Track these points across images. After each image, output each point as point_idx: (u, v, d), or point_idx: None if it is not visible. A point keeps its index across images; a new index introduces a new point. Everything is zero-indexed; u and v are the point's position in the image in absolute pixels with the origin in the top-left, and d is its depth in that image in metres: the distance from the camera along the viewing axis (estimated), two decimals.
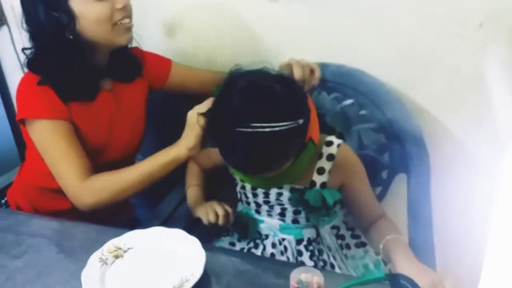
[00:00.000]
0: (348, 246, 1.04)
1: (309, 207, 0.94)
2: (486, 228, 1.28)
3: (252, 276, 0.83)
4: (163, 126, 1.40)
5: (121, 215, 1.27)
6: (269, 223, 1.03)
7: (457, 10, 1.07)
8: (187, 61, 1.38)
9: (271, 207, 1.00)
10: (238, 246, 1.08)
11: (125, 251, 0.90)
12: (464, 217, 1.26)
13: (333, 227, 1.03)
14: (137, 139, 1.19)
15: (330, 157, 0.95)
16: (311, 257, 1.00)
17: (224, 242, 1.10)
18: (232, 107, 0.80)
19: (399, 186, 1.18)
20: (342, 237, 1.04)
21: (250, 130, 0.75)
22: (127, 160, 1.12)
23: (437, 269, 0.94)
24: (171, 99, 1.35)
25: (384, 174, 1.18)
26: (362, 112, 1.17)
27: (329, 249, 1.02)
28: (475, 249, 1.30)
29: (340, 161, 0.94)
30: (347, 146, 0.99)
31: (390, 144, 1.16)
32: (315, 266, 0.99)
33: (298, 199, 0.94)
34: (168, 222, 1.14)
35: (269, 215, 1.02)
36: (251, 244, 1.05)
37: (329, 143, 0.96)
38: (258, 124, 0.74)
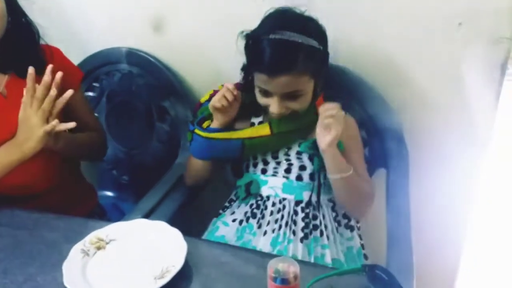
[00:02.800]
0: (339, 223, 1.10)
1: (318, 153, 1.03)
2: (463, 223, 1.32)
3: (233, 267, 0.85)
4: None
5: (83, 202, 1.30)
6: (272, 183, 1.09)
7: (438, 10, 1.10)
8: (173, 57, 1.39)
9: (278, 163, 1.10)
10: (238, 214, 1.13)
11: (107, 243, 0.91)
12: (442, 212, 1.29)
13: (329, 200, 1.10)
14: None
15: None
16: (304, 219, 1.06)
17: (226, 216, 1.15)
18: (267, 23, 1.01)
19: (379, 180, 1.21)
20: (335, 212, 1.10)
21: (280, 36, 0.95)
22: None
23: (414, 262, 0.96)
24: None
25: None
26: (343, 107, 1.18)
27: (323, 217, 1.08)
28: (453, 243, 1.35)
29: (345, 124, 1.04)
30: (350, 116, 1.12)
31: (370, 140, 1.19)
32: (306, 227, 1.05)
33: (311, 146, 1.05)
34: (150, 215, 1.15)
35: (275, 173, 1.10)
36: (254, 206, 1.10)
37: None
38: (287, 32, 0.95)
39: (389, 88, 1.19)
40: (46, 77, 0.98)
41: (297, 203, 1.08)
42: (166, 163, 1.39)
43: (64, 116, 1.09)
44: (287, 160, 1.10)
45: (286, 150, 1.10)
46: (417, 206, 1.12)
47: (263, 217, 1.08)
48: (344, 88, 1.19)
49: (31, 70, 0.97)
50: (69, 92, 1.00)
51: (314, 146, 1.04)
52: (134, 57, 1.40)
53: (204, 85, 1.38)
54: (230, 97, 1.05)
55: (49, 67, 0.98)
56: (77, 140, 1.17)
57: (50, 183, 1.17)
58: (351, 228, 1.12)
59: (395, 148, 1.16)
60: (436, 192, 1.26)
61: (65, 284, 0.78)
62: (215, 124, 1.10)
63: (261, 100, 1.03)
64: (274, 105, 1.00)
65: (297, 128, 1.07)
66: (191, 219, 1.23)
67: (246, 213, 1.11)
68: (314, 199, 1.08)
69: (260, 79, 0.99)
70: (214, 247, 0.93)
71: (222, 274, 0.83)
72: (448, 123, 1.20)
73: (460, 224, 1.31)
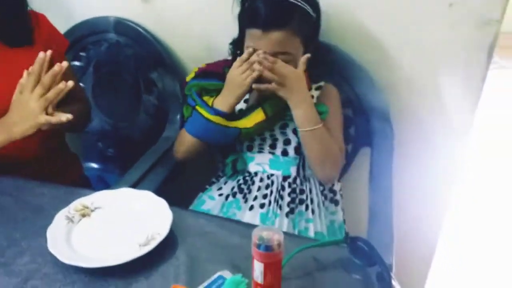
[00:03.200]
0: (325, 196, 1.13)
1: None
2: (443, 203, 1.35)
3: (217, 236, 0.86)
4: None
5: (68, 172, 1.29)
6: (259, 160, 1.12)
7: None
8: (162, 28, 1.37)
9: (263, 139, 1.12)
10: (225, 189, 1.14)
11: (92, 210, 0.91)
12: (423, 191, 1.32)
13: None
14: None
15: (319, 88, 1.13)
16: (290, 194, 1.08)
17: (212, 191, 1.16)
18: None
19: (363, 159, 1.23)
20: (322, 186, 1.13)
21: None
22: None
23: (395, 240, 0.99)
24: None
25: (349, 147, 1.22)
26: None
27: (310, 191, 1.10)
28: (432, 222, 1.38)
29: (325, 90, 1.13)
30: (333, 85, 1.15)
31: (356, 118, 1.21)
32: (292, 202, 1.08)
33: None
34: (136, 187, 1.15)
35: (261, 149, 1.12)
36: (241, 181, 1.12)
37: (318, 81, 1.15)
38: None
39: (377, 68, 1.20)
40: (57, 67, 0.95)
41: (285, 178, 1.10)
42: (153, 136, 1.39)
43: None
44: (272, 136, 1.11)
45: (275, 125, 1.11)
46: (399, 185, 1.14)
47: (250, 192, 1.10)
48: (333, 66, 1.20)
49: (41, 54, 0.95)
50: (70, 84, 0.97)
51: None
52: (122, 26, 1.38)
53: (193, 57, 1.38)
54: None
55: (63, 63, 0.97)
56: None
57: (34, 152, 1.16)
58: (336, 203, 1.14)
59: (380, 127, 1.17)
60: (419, 172, 1.29)
61: (50, 249, 0.78)
62: (226, 106, 1.05)
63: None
64: None
65: (286, 104, 1.05)
66: (177, 193, 1.23)
67: (233, 188, 1.12)
68: (301, 173, 1.10)
69: (252, 36, 0.99)
70: (199, 217, 0.93)
71: (206, 243, 0.84)
72: (434, 105, 1.21)
73: (440, 204, 1.34)
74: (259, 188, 1.09)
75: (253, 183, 1.11)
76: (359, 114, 1.20)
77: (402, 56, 1.18)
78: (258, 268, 0.64)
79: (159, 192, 0.94)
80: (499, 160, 2.51)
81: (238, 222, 0.98)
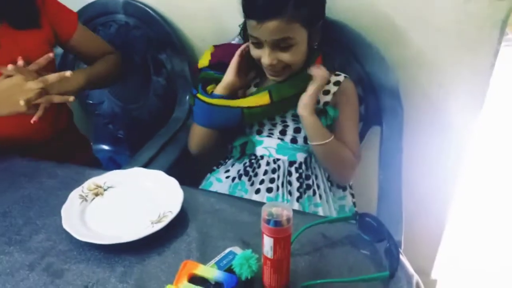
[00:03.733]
0: (331, 182, 1.12)
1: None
2: (453, 181, 1.35)
3: (227, 214, 0.87)
4: None
5: (78, 154, 1.31)
6: (267, 144, 1.12)
7: None
8: (171, 9, 1.37)
9: (274, 125, 1.11)
10: (232, 171, 1.15)
11: (105, 190, 0.93)
12: (433, 169, 1.32)
13: None
14: None
15: (337, 83, 1.10)
16: (298, 179, 1.09)
17: (220, 173, 1.17)
18: None
19: (373, 138, 1.23)
20: (327, 172, 1.13)
21: None
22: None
23: (404, 218, 0.99)
24: None
25: (360, 126, 1.22)
26: (341, 63, 1.18)
27: (316, 178, 1.10)
28: (442, 200, 1.38)
29: (343, 87, 1.10)
30: (352, 81, 1.13)
31: (366, 97, 1.20)
32: (300, 187, 1.08)
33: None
34: (147, 167, 1.16)
35: (270, 133, 1.12)
36: (247, 163, 1.13)
37: (337, 75, 1.12)
38: None
39: (387, 46, 1.19)
40: (68, 73, 1.02)
41: (291, 163, 1.10)
42: (163, 118, 1.40)
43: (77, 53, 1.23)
44: (283, 122, 1.11)
45: (282, 112, 1.10)
46: (408, 163, 1.14)
47: (255, 175, 1.10)
48: (343, 44, 1.18)
49: (52, 54, 1.05)
50: (68, 73, 1.02)
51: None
52: (131, 7, 1.38)
53: (202, 38, 1.37)
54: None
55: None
56: (94, 76, 1.20)
57: (43, 135, 1.18)
58: (344, 188, 1.15)
59: (390, 105, 1.17)
60: (429, 150, 1.29)
61: (64, 227, 0.80)
62: (219, 88, 1.09)
63: (254, 52, 1.02)
64: (265, 56, 0.99)
65: (295, 93, 1.05)
66: (186, 174, 1.25)
67: (239, 170, 1.13)
68: (308, 160, 1.10)
69: (250, 26, 0.98)
70: (210, 195, 0.95)
71: (217, 220, 0.86)
72: (444, 83, 1.20)
73: (450, 182, 1.34)
74: (265, 172, 1.10)
75: (259, 166, 1.11)
76: (369, 93, 1.19)
77: (412, 33, 1.17)
78: (267, 243, 0.65)
79: (169, 172, 0.95)
80: (510, 137, 2.48)
81: (248, 200, 0.99)
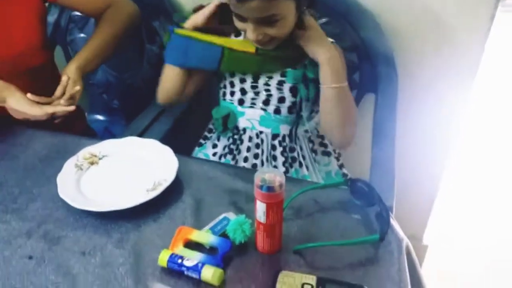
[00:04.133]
0: (315, 152, 1.11)
1: (305, 80, 1.00)
2: (445, 150, 1.36)
3: (221, 181, 0.88)
4: None
5: (72, 123, 1.29)
6: (250, 115, 1.07)
7: None
8: None
9: (257, 93, 1.04)
10: (219, 147, 1.14)
11: (100, 158, 0.93)
12: (426, 138, 1.33)
13: (306, 131, 1.09)
14: (23, 50, 1.11)
15: None
16: (282, 153, 1.07)
17: (207, 148, 1.16)
18: None
19: (367, 106, 1.23)
20: (312, 142, 1.11)
21: None
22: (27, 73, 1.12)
23: (396, 186, 1.00)
24: None
25: (354, 93, 1.22)
26: (336, 31, 1.17)
27: (301, 149, 1.09)
28: (435, 168, 1.40)
29: None
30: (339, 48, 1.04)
31: (361, 64, 1.19)
32: (285, 161, 1.07)
33: (299, 74, 1.00)
34: (142, 136, 1.16)
35: (253, 104, 1.06)
36: (230, 141, 1.11)
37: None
38: None
39: (382, 12, 1.17)
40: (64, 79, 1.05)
41: (274, 136, 1.07)
42: (157, 87, 1.39)
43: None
44: (267, 90, 1.03)
45: (267, 79, 1.03)
46: (401, 131, 1.14)
47: (239, 152, 1.08)
48: (338, 11, 1.17)
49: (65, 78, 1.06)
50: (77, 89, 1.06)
51: (302, 76, 1.00)
52: None
53: (195, 5, 1.35)
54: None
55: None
56: (93, 53, 1.14)
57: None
58: (328, 154, 1.13)
59: (385, 73, 1.16)
60: (422, 118, 1.29)
61: (60, 195, 0.81)
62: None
63: (238, 24, 0.95)
64: (249, 32, 0.92)
65: (283, 55, 0.99)
66: (180, 144, 1.25)
67: (224, 147, 1.12)
68: (293, 132, 1.07)
69: (232, 4, 0.90)
70: (203, 163, 0.96)
71: (211, 187, 0.87)
72: (439, 49, 1.19)
73: (442, 150, 1.35)
74: (248, 149, 1.07)
75: (241, 142, 1.09)
76: (364, 60, 1.18)
77: (407, 0, 1.15)
78: (260, 209, 0.67)
79: (163, 141, 0.96)
80: (504, 106, 2.48)
81: (241, 168, 1.00)
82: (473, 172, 2.08)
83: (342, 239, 0.73)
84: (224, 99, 1.10)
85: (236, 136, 1.10)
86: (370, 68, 1.18)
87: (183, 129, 1.28)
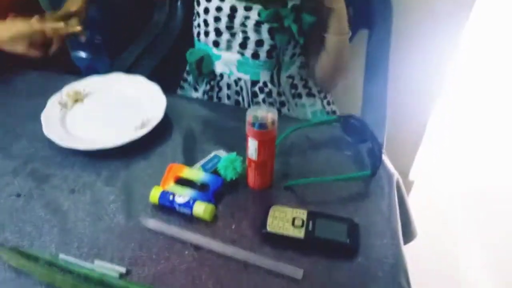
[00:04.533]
0: (299, 96, 1.07)
1: (280, 27, 0.92)
2: (438, 86, 1.35)
3: (211, 119, 0.87)
4: None
5: (56, 59, 1.24)
6: (226, 59, 1.00)
7: None
8: None
9: (233, 35, 0.96)
10: (200, 91, 1.09)
11: (85, 96, 0.90)
12: (419, 75, 1.31)
13: (288, 77, 1.04)
14: None
15: None
16: (264, 100, 1.03)
17: (187, 91, 1.12)
18: None
19: (360, 42, 1.19)
20: (295, 87, 1.06)
21: None
22: None
23: (386, 124, 1.00)
24: None
25: None
26: None
27: (284, 94, 1.04)
28: (425, 105, 1.39)
29: None
30: None
31: None
32: (272, 106, 1.02)
33: (273, 14, 0.91)
34: (128, 73, 1.12)
35: (229, 46, 0.98)
36: (208, 86, 1.06)
37: None
38: None
39: None
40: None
41: (254, 83, 1.01)
42: (141, 22, 1.33)
43: None
44: (243, 32, 0.95)
45: (243, 19, 0.94)
46: (394, 68, 1.12)
47: (219, 100, 1.05)
48: None
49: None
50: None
51: (277, 17, 0.92)
52: None
53: None
54: None
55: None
56: None
57: None
58: (313, 95, 1.09)
59: (380, 8, 1.12)
60: (415, 54, 1.27)
61: (46, 133, 0.79)
62: None
63: None
64: None
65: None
66: (167, 82, 1.22)
67: (204, 93, 1.07)
68: (275, 78, 1.02)
69: None
70: (193, 102, 0.94)
71: (201, 126, 0.85)
72: None
73: (434, 87, 1.34)
74: (228, 97, 1.03)
75: (220, 89, 1.04)
76: None
77: None
78: (252, 146, 0.66)
79: (151, 78, 0.92)
80: (498, 42, 2.44)
81: (231, 106, 0.98)
82: (460, 111, 2.08)
83: (334, 175, 0.73)
84: (199, 40, 1.03)
85: (213, 82, 1.04)
86: (365, 2, 1.13)
87: (171, 65, 1.24)
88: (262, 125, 0.63)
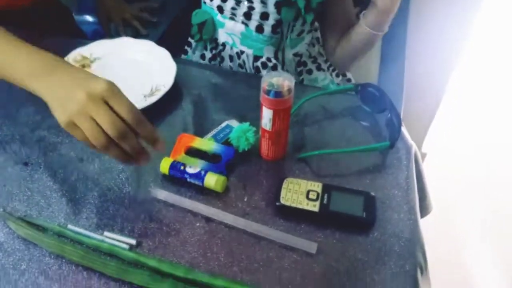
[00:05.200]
0: (309, 72, 1.00)
1: (287, 0, 0.86)
2: (456, 55, 1.31)
3: (223, 87, 0.84)
4: None
5: (61, 25, 1.22)
6: (231, 28, 0.94)
7: None
8: None
9: (238, 3, 0.90)
10: (206, 57, 1.04)
11: (92, 61, 0.87)
12: (438, 43, 1.26)
13: (295, 55, 0.97)
14: None
15: None
16: None
17: (191, 57, 1.07)
18: None
19: None
20: (303, 64, 1.00)
21: None
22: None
23: (403, 99, 0.96)
24: None
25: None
26: None
27: (287, 71, 0.98)
28: (441, 76, 1.35)
29: None
30: None
31: None
32: None
33: None
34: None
35: (233, 15, 0.92)
36: (210, 55, 1.01)
37: None
38: None
39: None
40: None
41: (256, 58, 0.95)
42: None
43: None
44: (249, 1, 0.89)
45: None
46: (412, 36, 1.08)
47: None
48: None
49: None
50: None
51: None
52: None
53: None
54: None
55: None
56: None
57: (22, 3, 1.08)
58: (323, 70, 1.03)
59: None
60: (433, 22, 1.21)
61: None
62: None
63: None
64: None
65: None
66: (177, 48, 1.18)
67: (208, 61, 1.02)
68: (279, 55, 0.96)
69: None
70: (204, 68, 0.90)
71: (212, 94, 0.82)
72: None
73: (452, 57, 1.30)
74: (231, 69, 0.99)
75: (222, 60, 0.99)
76: None
77: None
78: (266, 115, 0.63)
79: (160, 44, 0.89)
80: None
81: (245, 73, 0.94)
82: (475, 86, 2.04)
83: (350, 147, 0.70)
84: (205, 2, 0.97)
85: (215, 51, 0.99)
86: None
87: (182, 30, 1.20)
88: (278, 93, 0.60)
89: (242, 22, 0.92)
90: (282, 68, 0.97)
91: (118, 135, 0.53)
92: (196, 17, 0.96)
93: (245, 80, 0.85)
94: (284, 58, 0.96)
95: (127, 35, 0.99)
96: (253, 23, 0.91)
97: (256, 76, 0.92)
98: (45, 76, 0.57)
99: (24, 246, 0.59)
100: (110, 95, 0.53)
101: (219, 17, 0.94)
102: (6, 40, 0.62)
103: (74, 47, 0.88)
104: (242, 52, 0.96)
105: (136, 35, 1.12)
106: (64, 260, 0.58)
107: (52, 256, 0.58)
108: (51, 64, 0.58)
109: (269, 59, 0.95)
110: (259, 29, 0.91)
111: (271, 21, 0.89)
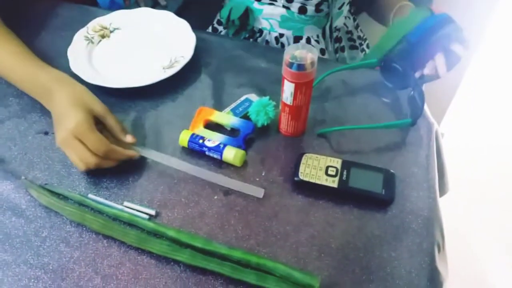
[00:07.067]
0: (342, 49, 0.99)
1: None
2: (479, 35, 1.27)
3: (243, 60, 0.83)
4: None
5: None
6: (269, 13, 0.90)
7: None
8: None
9: None
10: None
11: (111, 31, 0.86)
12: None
13: (333, 30, 0.94)
14: None
15: None
16: None
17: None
18: None
19: None
20: (339, 40, 0.98)
21: None
22: None
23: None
24: None
25: None
26: None
27: (327, 49, 0.96)
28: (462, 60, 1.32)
29: None
30: None
31: None
32: None
33: None
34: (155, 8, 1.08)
35: (273, 0, 0.88)
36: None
37: None
38: None
39: None
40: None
41: (296, 39, 0.92)
42: None
43: None
44: None
45: None
46: None
47: None
48: None
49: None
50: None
51: None
52: None
53: None
54: None
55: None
56: None
57: None
58: (356, 48, 1.02)
59: None
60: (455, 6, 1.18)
61: (72, 69, 0.77)
62: None
63: None
64: None
65: None
66: (199, 17, 1.16)
67: None
68: (326, 33, 0.92)
69: None
70: (224, 40, 0.89)
71: (232, 66, 0.81)
72: None
73: (474, 37, 1.26)
74: None
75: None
76: None
77: None
78: (288, 89, 0.62)
79: (179, 14, 0.87)
80: None
81: (266, 47, 0.92)
82: (496, 68, 2.00)
83: (371, 123, 0.69)
84: None
85: (251, 40, 0.95)
86: None
87: (200, 1, 1.17)
88: (300, 66, 0.59)
89: (283, 6, 0.89)
90: (321, 45, 0.95)
91: (93, 166, 0.61)
92: (233, 13, 0.90)
93: (266, 53, 0.84)
94: (324, 35, 0.93)
95: (146, 5, 0.98)
96: (295, 5, 0.88)
97: (276, 49, 0.91)
98: (45, 101, 0.68)
99: (46, 213, 0.60)
100: (79, 133, 0.60)
101: (256, 4, 0.90)
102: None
103: (93, 16, 0.88)
104: (282, 35, 0.93)
105: (155, 5, 1.11)
106: (84, 229, 0.59)
107: (73, 224, 0.59)
108: (49, 91, 0.66)
109: (308, 41, 0.93)
110: (302, 10, 0.88)
111: (314, 0, 0.86)
